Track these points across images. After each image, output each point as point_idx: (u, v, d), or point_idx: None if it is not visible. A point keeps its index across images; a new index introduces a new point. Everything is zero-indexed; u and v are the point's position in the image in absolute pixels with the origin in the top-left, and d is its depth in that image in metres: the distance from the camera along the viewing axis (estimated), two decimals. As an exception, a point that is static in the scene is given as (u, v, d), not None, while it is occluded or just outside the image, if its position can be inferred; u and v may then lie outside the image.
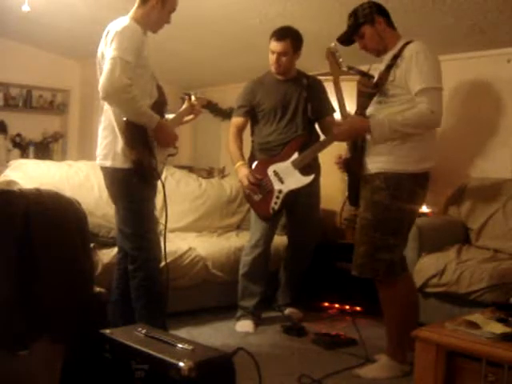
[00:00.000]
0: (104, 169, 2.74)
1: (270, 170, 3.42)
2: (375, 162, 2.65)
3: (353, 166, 2.76)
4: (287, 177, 3.39)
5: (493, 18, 3.30)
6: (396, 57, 2.62)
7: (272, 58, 3.37)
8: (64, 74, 5.70)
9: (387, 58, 2.69)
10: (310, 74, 3.61)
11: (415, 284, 3.05)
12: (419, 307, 2.84)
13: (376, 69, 2.76)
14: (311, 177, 3.41)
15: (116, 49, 2.50)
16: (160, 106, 2.76)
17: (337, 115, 3.36)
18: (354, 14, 2.73)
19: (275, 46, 3.33)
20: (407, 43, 2.63)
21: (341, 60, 2.73)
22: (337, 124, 2.78)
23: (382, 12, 2.72)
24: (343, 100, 2.73)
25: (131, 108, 2.55)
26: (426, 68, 2.53)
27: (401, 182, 2.62)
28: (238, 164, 3.47)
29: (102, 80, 2.49)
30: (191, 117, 2.98)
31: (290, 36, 3.33)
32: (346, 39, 2.77)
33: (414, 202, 2.72)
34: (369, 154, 2.68)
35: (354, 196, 2.80)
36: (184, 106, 2.95)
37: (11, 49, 5.29)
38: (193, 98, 2.89)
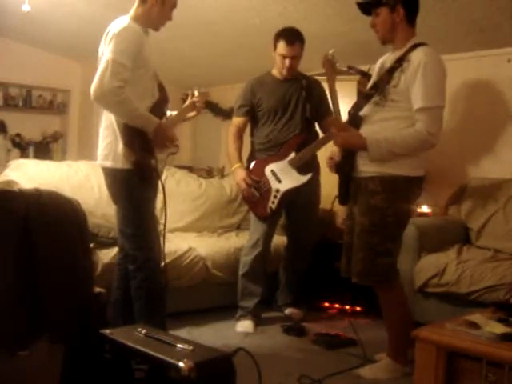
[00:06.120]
0: (104, 169, 2.74)
1: (268, 170, 3.41)
2: (369, 165, 2.62)
3: (344, 166, 2.72)
4: (284, 176, 3.39)
5: (493, 18, 3.30)
6: (401, 59, 2.55)
7: (282, 61, 3.33)
8: (64, 74, 5.70)
9: (391, 58, 2.63)
10: (310, 74, 3.61)
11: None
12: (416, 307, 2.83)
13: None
14: (308, 176, 3.40)
15: (111, 51, 2.50)
16: (161, 105, 2.75)
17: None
18: None
19: (288, 50, 3.29)
20: (416, 46, 2.54)
21: (338, 65, 2.71)
22: (334, 129, 2.74)
23: (409, 5, 2.58)
24: (338, 106, 2.73)
25: (123, 110, 2.54)
26: (432, 83, 2.48)
27: (397, 185, 2.60)
28: (236, 166, 3.47)
29: (93, 82, 2.49)
30: (194, 113, 2.94)
31: (299, 39, 3.31)
32: (363, 6, 2.64)
33: (409, 205, 2.71)
34: (361, 156, 2.64)
35: (343, 195, 2.77)
36: (187, 103, 2.92)
37: (11, 49, 5.28)
38: (196, 93, 2.87)
